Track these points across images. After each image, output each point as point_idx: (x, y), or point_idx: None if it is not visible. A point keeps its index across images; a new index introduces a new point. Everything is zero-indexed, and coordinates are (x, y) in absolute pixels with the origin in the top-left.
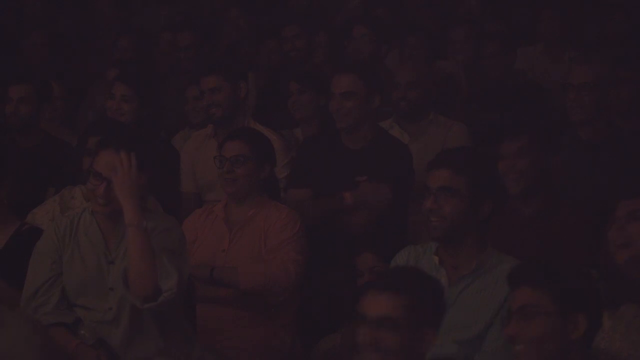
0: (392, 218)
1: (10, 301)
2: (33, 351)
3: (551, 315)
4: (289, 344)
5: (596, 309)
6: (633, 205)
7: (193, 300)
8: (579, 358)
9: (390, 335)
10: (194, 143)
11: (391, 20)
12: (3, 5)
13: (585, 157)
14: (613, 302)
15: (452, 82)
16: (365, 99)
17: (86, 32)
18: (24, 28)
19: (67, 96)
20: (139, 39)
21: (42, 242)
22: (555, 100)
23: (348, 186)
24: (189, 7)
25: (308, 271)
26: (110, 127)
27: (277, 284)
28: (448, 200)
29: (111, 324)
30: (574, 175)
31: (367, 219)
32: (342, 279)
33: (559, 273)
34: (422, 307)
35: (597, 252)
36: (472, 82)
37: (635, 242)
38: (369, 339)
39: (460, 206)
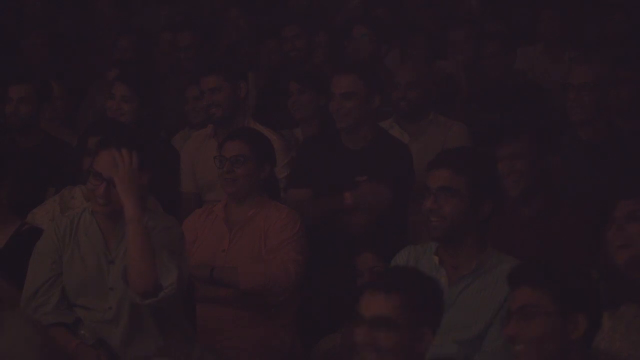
0: (392, 218)
1: (11, 301)
2: (33, 351)
3: (551, 315)
4: (289, 344)
5: (596, 309)
6: (632, 206)
7: (193, 300)
8: (579, 358)
9: (387, 335)
10: (194, 143)
11: (391, 20)
12: (3, 5)
13: (585, 157)
14: (613, 302)
15: (452, 82)
16: (365, 99)
17: (86, 32)
18: (24, 28)
19: (67, 96)
20: (139, 39)
21: (42, 242)
22: (555, 100)
23: (348, 186)
24: (189, 7)
25: (308, 271)
26: (110, 127)
27: (277, 284)
28: (448, 200)
29: (111, 324)
30: (574, 175)
31: (367, 219)
32: (342, 279)
33: (559, 273)
34: (420, 307)
35: (597, 252)
36: (472, 82)
37: (635, 242)
38: (367, 339)
39: (460, 206)
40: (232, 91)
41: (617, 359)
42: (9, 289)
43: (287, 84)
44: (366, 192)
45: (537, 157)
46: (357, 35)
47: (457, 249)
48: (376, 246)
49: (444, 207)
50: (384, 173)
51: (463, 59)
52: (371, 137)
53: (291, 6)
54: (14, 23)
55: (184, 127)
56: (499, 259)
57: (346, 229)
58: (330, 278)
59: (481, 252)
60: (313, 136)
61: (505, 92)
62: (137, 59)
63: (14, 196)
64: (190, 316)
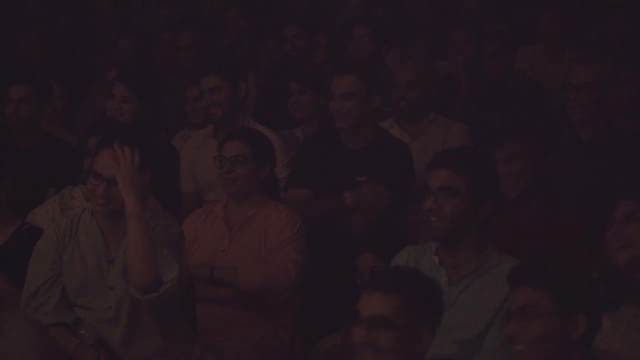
0: (392, 218)
1: (12, 302)
2: (33, 352)
3: (551, 315)
4: (289, 344)
5: (596, 309)
6: (631, 206)
7: (193, 300)
8: (579, 358)
9: (385, 334)
10: (194, 143)
11: (391, 20)
12: (3, 5)
13: (585, 157)
14: (613, 303)
15: (452, 82)
16: (365, 99)
17: (86, 32)
18: (24, 28)
19: (67, 96)
20: (139, 39)
21: (42, 242)
22: (555, 100)
23: (348, 186)
24: (189, 7)
25: (308, 271)
26: (110, 127)
27: (277, 284)
28: (448, 200)
29: (111, 323)
30: (574, 175)
31: (367, 219)
32: (342, 279)
33: (559, 273)
34: (419, 307)
35: (597, 252)
36: (472, 82)
37: (635, 242)
38: (365, 339)
39: (460, 206)
40: (232, 91)
41: (617, 359)
42: (10, 289)
43: (287, 84)
44: (366, 192)
45: (537, 157)
46: (357, 35)
47: (457, 249)
48: (376, 246)
49: (444, 207)
50: (384, 173)
51: (463, 59)
52: (371, 137)
53: (291, 6)
54: (14, 23)
55: (184, 127)
56: (499, 259)
57: (346, 229)
58: (330, 278)
59: (481, 252)
60: (313, 136)
61: (505, 92)
62: (137, 59)
63: (14, 196)
64: (190, 316)
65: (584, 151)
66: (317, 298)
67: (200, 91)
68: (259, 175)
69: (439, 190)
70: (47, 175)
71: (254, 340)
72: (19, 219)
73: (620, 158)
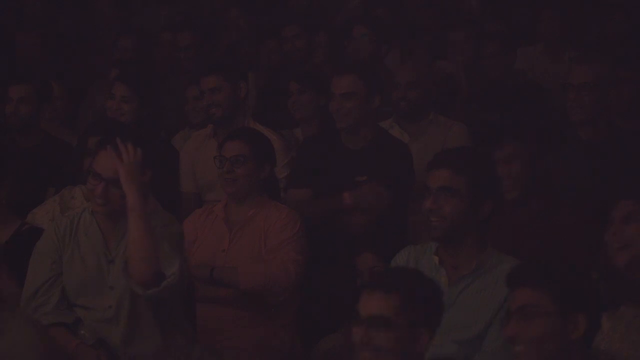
0: (392, 218)
1: (12, 302)
2: (33, 352)
3: (551, 315)
4: (289, 344)
5: (596, 309)
6: (630, 207)
7: (193, 300)
8: (578, 358)
9: (385, 334)
10: (194, 143)
11: (391, 20)
12: (3, 5)
13: (585, 157)
14: (613, 303)
15: (452, 82)
16: (365, 99)
17: (86, 32)
18: (24, 28)
19: (67, 96)
20: (139, 39)
21: (42, 242)
22: (555, 100)
23: (348, 186)
24: (189, 7)
25: (308, 271)
26: (110, 127)
27: (277, 284)
28: (448, 200)
29: (111, 323)
30: (574, 175)
31: (367, 219)
32: (342, 279)
33: (559, 273)
34: (418, 307)
35: (597, 252)
36: (472, 82)
37: (635, 243)
38: (364, 339)
39: (460, 206)
40: (232, 91)
41: (617, 359)
42: (12, 288)
43: (287, 84)
44: (366, 192)
45: (537, 157)
46: (357, 35)
47: (457, 249)
48: (376, 246)
49: (444, 207)
50: (384, 173)
51: (463, 59)
52: (371, 137)
53: (291, 6)
54: (14, 23)
55: (184, 127)
56: (499, 259)
57: (346, 229)
58: (330, 278)
59: (481, 252)
60: (313, 136)
61: (505, 92)
62: (137, 59)
63: (14, 196)
64: (190, 316)
65: (584, 151)
66: (317, 298)
67: (200, 91)
68: (259, 175)
69: (439, 190)
70: (47, 175)
71: (254, 340)
72: (19, 219)
73: (620, 158)
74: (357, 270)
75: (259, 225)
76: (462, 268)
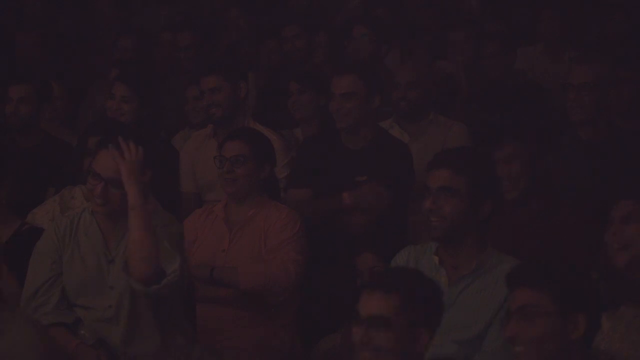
0: (392, 218)
1: (13, 302)
2: (33, 352)
3: (551, 315)
4: (289, 344)
5: (596, 309)
6: (629, 207)
7: (193, 300)
8: (579, 358)
9: (382, 334)
10: (194, 143)
11: (391, 20)
12: (3, 5)
13: (585, 157)
14: (613, 303)
15: (452, 82)
16: (365, 99)
17: (86, 32)
18: (24, 28)
19: (67, 96)
20: (139, 39)
21: (42, 242)
22: (555, 100)
23: (348, 186)
24: (189, 7)
25: (308, 271)
26: (110, 127)
27: (277, 284)
28: (448, 200)
29: (111, 322)
30: (574, 175)
31: (367, 219)
32: (342, 279)
33: (559, 273)
34: (418, 307)
35: (597, 252)
36: (472, 82)
37: (635, 243)
38: (364, 339)
39: (460, 206)
40: (232, 91)
41: (617, 359)
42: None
43: (287, 84)
44: (366, 192)
45: (537, 157)
46: (357, 35)
47: (457, 249)
48: (376, 246)
49: (443, 207)
50: (384, 173)
51: (463, 59)
52: (371, 137)
53: (291, 6)
54: (14, 23)
55: (184, 127)
56: (499, 259)
57: (346, 229)
58: (330, 278)
59: (481, 252)
60: (313, 136)
61: (505, 92)
62: (137, 59)
63: (14, 196)
64: (190, 316)
65: (584, 151)
66: (317, 298)
67: (200, 91)
68: (259, 175)
69: (438, 190)
70: (47, 175)
71: (254, 340)
72: (19, 219)
73: (620, 158)
74: (357, 270)
75: (259, 225)
76: (462, 268)
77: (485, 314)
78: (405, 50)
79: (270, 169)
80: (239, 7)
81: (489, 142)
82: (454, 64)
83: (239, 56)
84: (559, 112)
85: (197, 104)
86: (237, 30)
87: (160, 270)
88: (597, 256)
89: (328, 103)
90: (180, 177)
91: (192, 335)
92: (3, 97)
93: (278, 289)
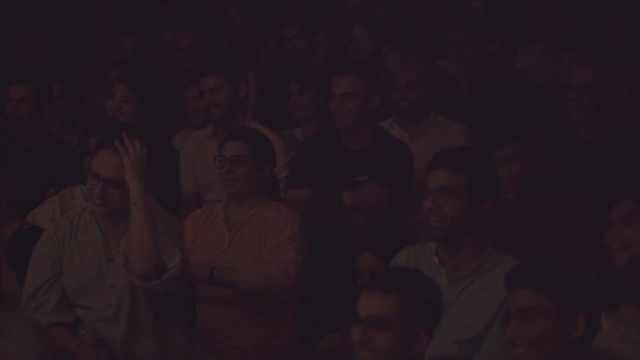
0: (392, 218)
1: (13, 302)
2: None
3: (551, 315)
4: (289, 344)
5: (596, 309)
6: (629, 207)
7: (193, 300)
8: (579, 358)
9: (381, 334)
10: (194, 143)
11: (391, 20)
12: (3, 5)
13: (585, 157)
14: (613, 303)
15: (452, 82)
16: (365, 99)
17: (86, 32)
18: (24, 28)
19: (67, 96)
20: (139, 39)
21: (42, 242)
22: (555, 100)
23: (348, 186)
24: (189, 7)
25: (308, 271)
26: (110, 127)
27: (277, 284)
28: (448, 200)
29: (111, 322)
30: (574, 175)
31: (367, 219)
32: (342, 279)
33: (559, 274)
34: (417, 307)
35: (597, 252)
36: (472, 82)
37: (635, 243)
38: (362, 338)
39: (460, 206)
40: (232, 91)
41: (617, 359)
42: (12, 288)
43: (287, 84)
44: (366, 192)
45: (537, 157)
46: (357, 35)
47: (457, 249)
48: (376, 246)
49: (443, 207)
50: (384, 173)
51: (463, 59)
52: (371, 137)
53: (291, 6)
54: (14, 23)
55: (184, 127)
56: (499, 259)
57: (346, 229)
58: (330, 278)
59: (481, 252)
60: (313, 136)
61: (505, 92)
62: (137, 59)
63: (14, 196)
64: (190, 316)
65: (584, 151)
66: (317, 298)
67: (200, 91)
68: (259, 175)
69: (438, 190)
70: (47, 175)
71: (254, 340)
72: (19, 219)
73: (620, 158)
74: (357, 270)
75: (259, 225)
76: (462, 268)
77: (485, 314)
78: (405, 50)
79: (270, 169)
80: (239, 7)
81: (489, 142)
82: (454, 64)
83: (239, 56)
84: (559, 112)
85: (197, 104)
86: (237, 30)
87: (161, 266)
88: (597, 256)
89: (328, 103)
90: (180, 177)
91: (192, 335)
92: (3, 97)
93: (278, 289)
